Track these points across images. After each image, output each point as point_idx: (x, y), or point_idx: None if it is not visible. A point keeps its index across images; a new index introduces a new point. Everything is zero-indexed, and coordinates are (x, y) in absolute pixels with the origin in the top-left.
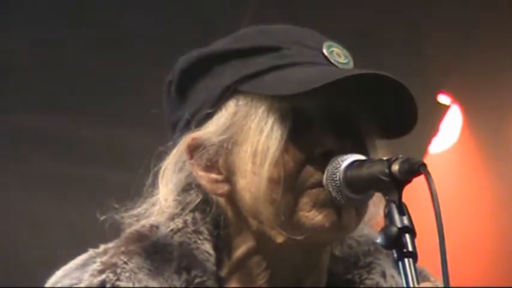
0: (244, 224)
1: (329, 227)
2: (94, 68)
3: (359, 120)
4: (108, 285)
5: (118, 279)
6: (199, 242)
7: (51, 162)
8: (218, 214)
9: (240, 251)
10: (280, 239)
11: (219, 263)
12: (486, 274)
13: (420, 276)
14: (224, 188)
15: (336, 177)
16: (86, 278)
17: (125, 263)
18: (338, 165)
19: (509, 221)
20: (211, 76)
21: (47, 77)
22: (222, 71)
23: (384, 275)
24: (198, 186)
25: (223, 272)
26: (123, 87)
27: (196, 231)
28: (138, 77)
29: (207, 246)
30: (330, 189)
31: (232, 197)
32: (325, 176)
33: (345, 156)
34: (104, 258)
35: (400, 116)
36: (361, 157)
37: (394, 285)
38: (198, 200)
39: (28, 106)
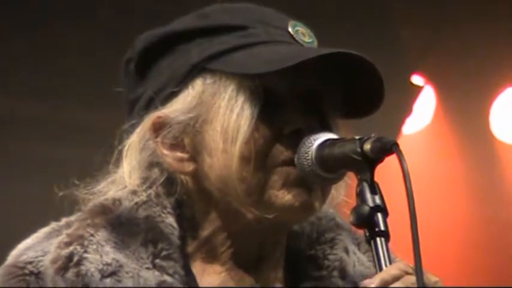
0: (210, 203)
1: (298, 206)
2: (63, 45)
3: (326, 99)
4: (75, 258)
5: (85, 252)
6: (163, 215)
7: (11, 142)
8: (183, 193)
9: (205, 229)
10: (249, 216)
11: (182, 239)
12: (458, 256)
13: None
14: (190, 166)
15: (308, 156)
16: (53, 250)
17: (92, 235)
18: (310, 144)
19: (481, 202)
20: (175, 54)
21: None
22: (187, 49)
23: (346, 250)
24: (162, 165)
25: (188, 249)
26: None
27: (160, 205)
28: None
29: (171, 220)
30: (302, 168)
31: (197, 175)
32: (297, 155)
33: (317, 135)
34: (70, 231)
35: (367, 94)
36: (334, 136)
37: (356, 261)
38: (163, 178)
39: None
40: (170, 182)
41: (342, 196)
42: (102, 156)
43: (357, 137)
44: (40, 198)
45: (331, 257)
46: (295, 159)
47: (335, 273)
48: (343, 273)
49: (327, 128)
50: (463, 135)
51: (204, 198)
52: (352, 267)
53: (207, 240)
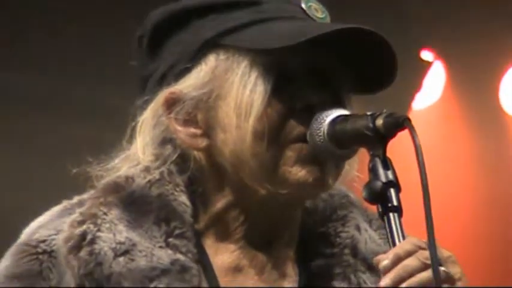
0: (223, 179)
1: (312, 182)
2: (72, 24)
3: (339, 74)
4: (89, 236)
5: (99, 230)
6: (176, 193)
7: (32, 119)
8: (195, 169)
9: (218, 205)
10: (262, 192)
11: (194, 217)
12: (467, 231)
13: None
14: (203, 142)
15: (320, 132)
16: (66, 229)
17: (105, 214)
18: (322, 120)
19: (491, 176)
20: (187, 30)
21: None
22: (200, 25)
23: (358, 228)
24: (175, 141)
25: (200, 226)
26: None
27: (173, 183)
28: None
29: (184, 198)
30: (314, 144)
31: (211, 151)
32: (309, 131)
33: (329, 112)
34: (83, 209)
35: (380, 69)
36: (345, 112)
37: (368, 239)
38: (175, 155)
39: (4, 64)
40: (183, 159)
41: (355, 172)
42: (116, 134)
43: (369, 113)
44: (55, 176)
45: (343, 234)
46: (308, 136)
47: (346, 250)
48: (355, 251)
49: (339, 104)
50: (473, 110)
51: (217, 174)
52: (364, 245)
53: (220, 217)
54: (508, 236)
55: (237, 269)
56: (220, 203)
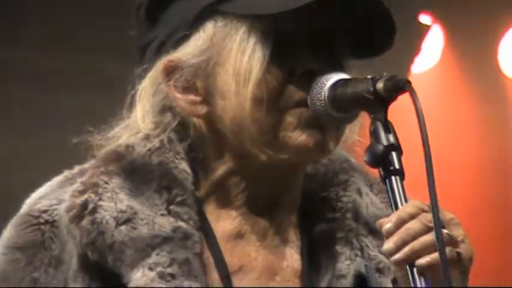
0: (224, 145)
1: (312, 146)
2: None
3: (338, 39)
4: (90, 205)
5: (100, 199)
6: (176, 161)
7: (26, 91)
8: (195, 136)
9: (218, 172)
10: (263, 158)
11: (195, 184)
12: (469, 193)
13: None
14: (203, 109)
15: (320, 96)
16: (67, 198)
17: (106, 183)
18: (323, 85)
19: (491, 138)
20: None
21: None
22: None
23: (359, 192)
24: (175, 109)
25: (201, 193)
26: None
27: (173, 151)
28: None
29: (184, 165)
30: (315, 108)
31: (210, 118)
32: (309, 96)
33: (329, 76)
34: (84, 179)
35: (379, 34)
36: (346, 76)
37: (369, 203)
38: (175, 123)
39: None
40: (183, 127)
41: (356, 136)
42: (115, 104)
43: (369, 77)
44: (55, 147)
45: (344, 198)
46: (308, 100)
47: (348, 215)
48: (357, 215)
49: (339, 69)
50: (472, 72)
51: (217, 141)
52: (366, 209)
53: (220, 184)
54: (508, 197)
55: (238, 236)
56: (220, 169)
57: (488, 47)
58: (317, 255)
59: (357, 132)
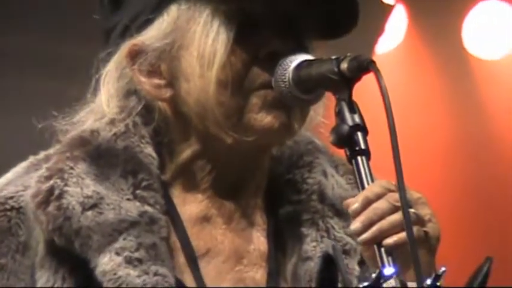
0: (189, 129)
1: (278, 127)
2: None
3: (301, 20)
4: (56, 191)
5: (66, 185)
6: (142, 145)
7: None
8: (161, 120)
9: (184, 155)
10: (229, 140)
11: (161, 168)
12: (438, 171)
13: None
14: (167, 93)
15: (285, 78)
16: (33, 184)
17: (71, 168)
18: (287, 66)
19: (458, 116)
20: None
21: None
22: None
23: (324, 173)
24: (140, 93)
25: (167, 177)
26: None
27: (138, 135)
28: None
29: (150, 150)
30: (279, 90)
31: (175, 101)
32: (274, 77)
33: (294, 57)
34: (49, 164)
35: (342, 14)
36: (310, 57)
37: (335, 184)
38: (140, 107)
39: None
40: (148, 111)
41: (320, 117)
42: (80, 87)
43: (334, 57)
44: (20, 131)
45: (309, 180)
46: (273, 82)
47: (314, 196)
48: (322, 197)
49: (303, 50)
50: (436, 51)
51: (182, 124)
52: (331, 190)
53: (186, 167)
54: (476, 171)
55: (205, 219)
56: (186, 152)
57: (452, 25)
58: (283, 238)
59: (322, 114)
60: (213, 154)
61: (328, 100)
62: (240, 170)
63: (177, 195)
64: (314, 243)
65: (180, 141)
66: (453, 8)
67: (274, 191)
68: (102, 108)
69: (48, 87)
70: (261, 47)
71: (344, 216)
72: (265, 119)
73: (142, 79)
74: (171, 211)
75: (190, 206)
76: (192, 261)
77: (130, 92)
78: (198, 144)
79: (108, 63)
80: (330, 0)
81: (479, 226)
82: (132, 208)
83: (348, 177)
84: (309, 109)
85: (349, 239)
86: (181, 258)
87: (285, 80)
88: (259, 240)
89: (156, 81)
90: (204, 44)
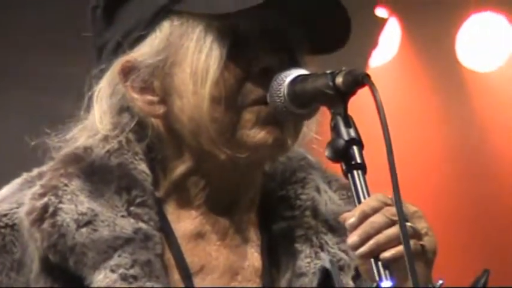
0: (182, 145)
1: (271, 143)
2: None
3: (293, 36)
4: (51, 208)
5: (60, 202)
6: (135, 162)
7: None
8: (154, 136)
9: (177, 171)
10: (222, 157)
11: (155, 184)
12: (433, 184)
13: None
14: (160, 109)
15: (280, 93)
16: (27, 201)
17: (66, 185)
18: (282, 81)
19: (452, 129)
20: None
21: None
22: None
23: (317, 189)
24: (132, 109)
25: (160, 193)
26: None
27: (132, 151)
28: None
29: (143, 166)
30: (275, 105)
31: (168, 118)
32: (269, 92)
33: (288, 72)
34: (43, 181)
35: (334, 30)
36: (305, 72)
37: (327, 200)
38: (133, 123)
39: None
40: (141, 127)
41: (313, 133)
42: (73, 104)
43: (328, 71)
44: (13, 147)
45: (303, 196)
46: (268, 97)
47: (307, 212)
48: (316, 212)
49: (296, 65)
50: (430, 64)
51: (175, 141)
52: (324, 206)
53: (180, 183)
54: (472, 182)
55: (199, 235)
56: (179, 169)
57: (445, 38)
58: (277, 254)
59: (315, 130)
60: (206, 170)
61: (321, 116)
62: (234, 186)
63: (171, 211)
64: (308, 259)
65: (174, 157)
66: (446, 20)
67: (267, 206)
68: (95, 125)
69: (38, 103)
70: (253, 63)
71: (338, 232)
72: (258, 135)
73: (135, 96)
74: (165, 228)
75: (185, 222)
76: (187, 278)
77: (123, 109)
78: (192, 161)
79: (100, 79)
80: (322, 18)
81: (475, 237)
82: (126, 225)
83: (341, 192)
84: (302, 125)
85: (343, 255)
86: (175, 275)
87: (280, 95)
88: (253, 256)
89: (149, 97)
90: (197, 60)
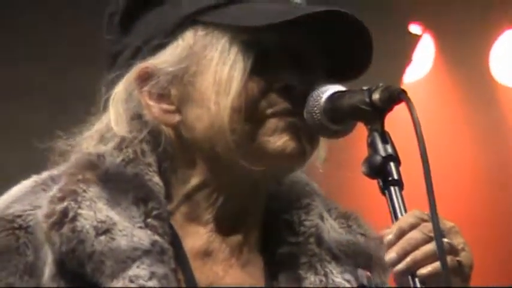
0: (194, 157)
1: (290, 151)
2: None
3: (316, 58)
4: (71, 213)
5: (79, 207)
6: (150, 174)
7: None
8: (167, 147)
9: (190, 183)
10: (238, 169)
11: (167, 197)
12: (467, 199)
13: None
14: (175, 118)
15: (316, 109)
16: (46, 204)
17: (84, 191)
18: (318, 97)
19: (485, 145)
20: (164, 6)
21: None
22: (177, 1)
23: (321, 217)
24: (144, 118)
25: (171, 206)
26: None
27: (146, 163)
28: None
29: (157, 179)
30: (311, 121)
31: (180, 128)
32: (305, 108)
33: (325, 88)
34: (61, 186)
35: (357, 55)
36: (341, 88)
37: (330, 228)
38: (146, 131)
39: None
40: (153, 137)
41: (318, 161)
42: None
43: (365, 88)
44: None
45: (307, 223)
46: (304, 113)
47: (311, 239)
48: (320, 240)
49: (316, 84)
50: (464, 80)
51: (188, 152)
52: (327, 234)
53: (190, 196)
54: (505, 204)
55: (206, 253)
56: (193, 181)
57: (479, 54)
58: (279, 278)
59: (323, 158)
60: (219, 184)
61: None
62: (243, 203)
63: (179, 226)
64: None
65: (186, 169)
66: (480, 36)
67: (270, 227)
68: (103, 131)
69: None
70: (275, 79)
71: (341, 261)
72: (277, 142)
73: (151, 103)
74: (175, 243)
75: (193, 238)
76: None
77: (136, 116)
78: (205, 173)
79: (115, 85)
80: (345, 40)
81: (510, 253)
82: (144, 236)
83: (340, 221)
84: (318, 139)
85: (347, 285)
86: None
87: (316, 112)
88: (258, 278)
89: (165, 106)
90: (220, 71)
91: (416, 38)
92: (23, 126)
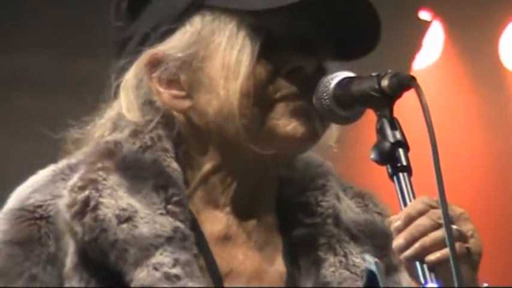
0: (206, 142)
1: (300, 135)
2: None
3: (324, 40)
4: (92, 202)
5: (100, 196)
6: (168, 160)
7: (32, 100)
8: (180, 133)
9: (204, 168)
10: (248, 153)
11: (184, 182)
12: (476, 186)
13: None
14: (185, 104)
15: (326, 95)
16: (67, 194)
17: (104, 179)
18: (328, 83)
19: (494, 132)
20: None
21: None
22: None
23: (337, 197)
24: (156, 103)
25: (188, 190)
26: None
27: (163, 148)
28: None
29: (175, 165)
30: (320, 106)
31: (193, 113)
32: (314, 94)
33: (334, 74)
34: (81, 174)
35: (364, 34)
36: (350, 74)
37: (346, 208)
38: (159, 117)
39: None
40: (167, 123)
41: (331, 141)
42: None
43: (374, 74)
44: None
45: (324, 203)
46: (314, 99)
47: (329, 220)
48: (337, 220)
49: (324, 70)
50: (473, 67)
51: (200, 137)
52: (345, 214)
53: (207, 179)
54: None
55: (226, 238)
56: (206, 165)
57: (488, 41)
58: (298, 259)
59: (334, 139)
60: (232, 167)
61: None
62: (258, 184)
63: (197, 210)
64: (333, 268)
65: (199, 154)
66: (490, 23)
67: (285, 211)
68: (115, 119)
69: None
70: (282, 63)
71: (359, 241)
72: (288, 125)
73: (161, 89)
74: (196, 228)
75: (212, 223)
76: (218, 280)
77: (147, 102)
78: (217, 157)
79: (125, 72)
80: (352, 20)
81: None
82: (165, 223)
83: (356, 200)
84: (329, 123)
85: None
86: (207, 277)
87: (326, 97)
88: (277, 260)
89: (175, 91)
90: (229, 56)
91: (426, 24)
92: (33, 115)
